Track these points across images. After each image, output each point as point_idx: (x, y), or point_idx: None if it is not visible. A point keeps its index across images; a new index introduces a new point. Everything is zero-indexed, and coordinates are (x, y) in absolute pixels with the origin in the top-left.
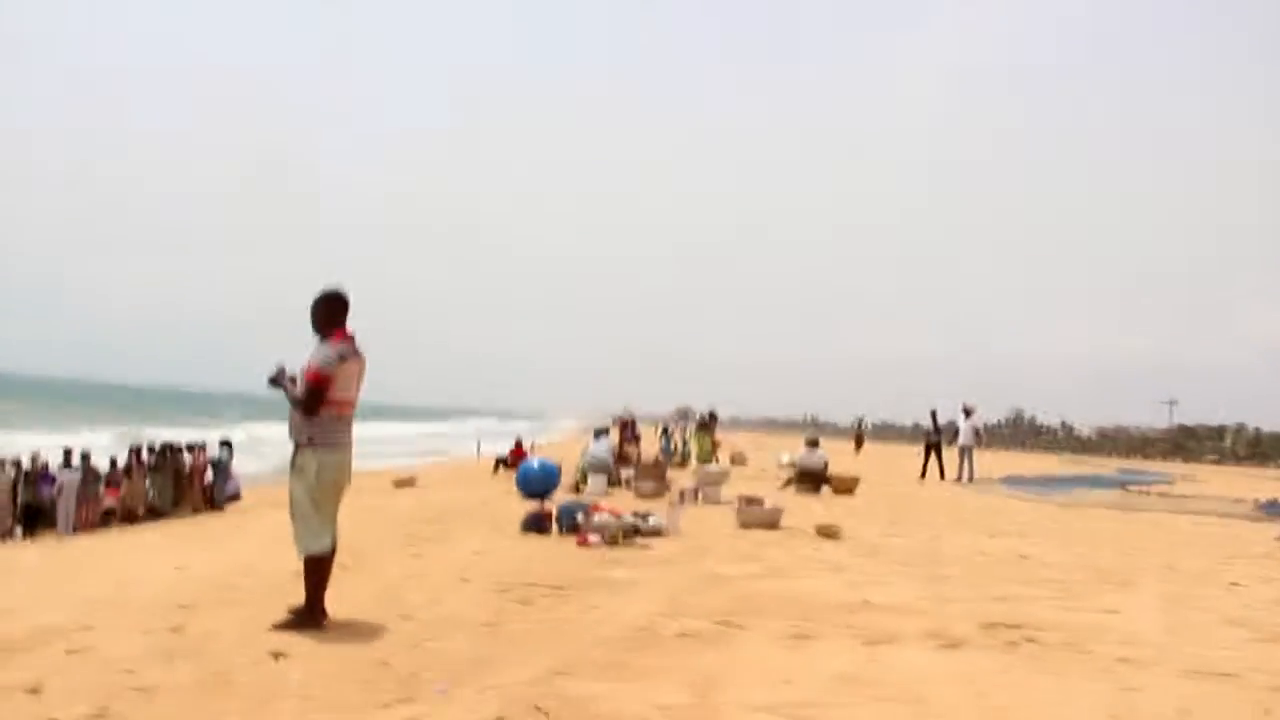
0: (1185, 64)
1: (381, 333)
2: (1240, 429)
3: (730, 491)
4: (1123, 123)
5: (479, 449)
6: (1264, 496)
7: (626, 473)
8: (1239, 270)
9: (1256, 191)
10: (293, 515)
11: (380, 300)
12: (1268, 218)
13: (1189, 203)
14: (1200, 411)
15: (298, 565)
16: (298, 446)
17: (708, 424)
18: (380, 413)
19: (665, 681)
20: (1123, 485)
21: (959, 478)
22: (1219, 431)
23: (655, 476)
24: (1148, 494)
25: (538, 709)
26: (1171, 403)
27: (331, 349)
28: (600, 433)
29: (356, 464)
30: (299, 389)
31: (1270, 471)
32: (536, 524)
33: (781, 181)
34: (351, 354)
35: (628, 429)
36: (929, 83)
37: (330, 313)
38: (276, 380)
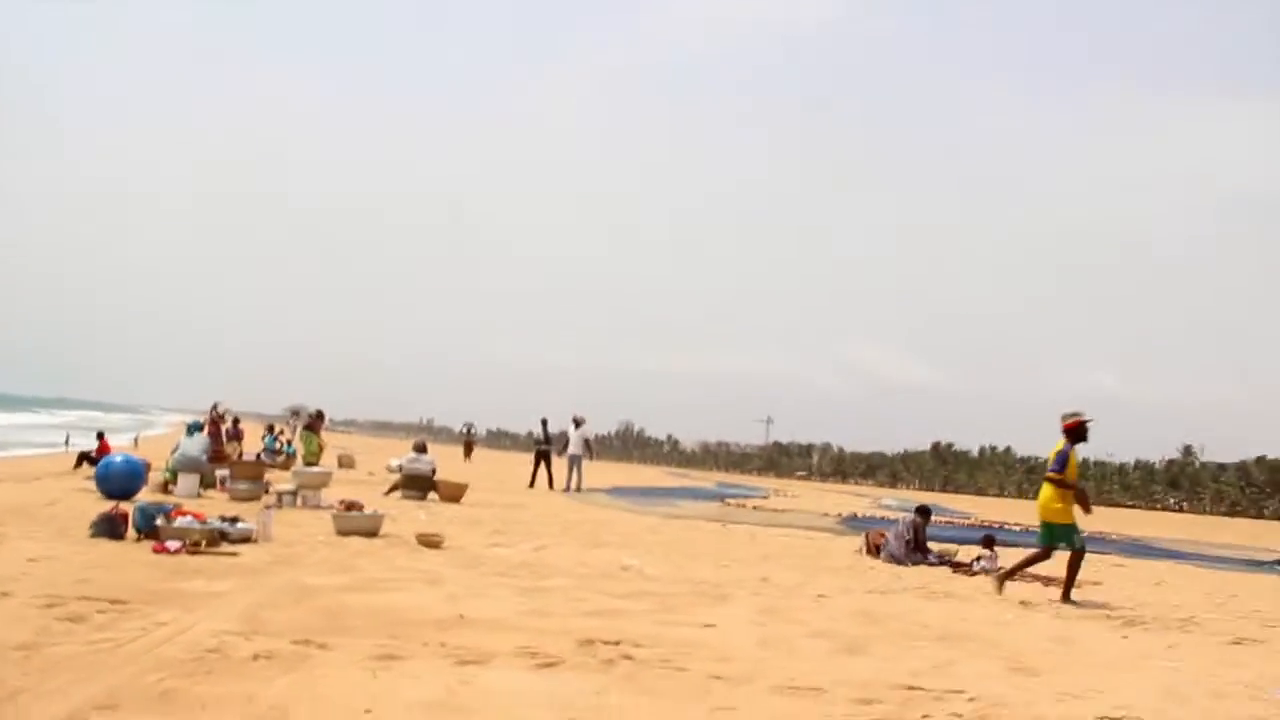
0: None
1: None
2: (826, 448)
3: (333, 495)
4: (739, 150)
5: (67, 442)
6: (845, 511)
7: (222, 473)
8: (841, 301)
9: (864, 234)
10: None
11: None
12: (872, 255)
13: (802, 234)
14: (793, 430)
15: None
16: None
17: (314, 423)
18: None
19: (226, 714)
20: (722, 499)
21: (567, 487)
22: (808, 449)
23: (252, 477)
24: (744, 507)
25: None
26: (768, 421)
27: None
28: (194, 428)
29: None
30: None
31: (850, 487)
32: (109, 527)
33: (397, 174)
34: None
35: (224, 425)
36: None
37: None
38: None
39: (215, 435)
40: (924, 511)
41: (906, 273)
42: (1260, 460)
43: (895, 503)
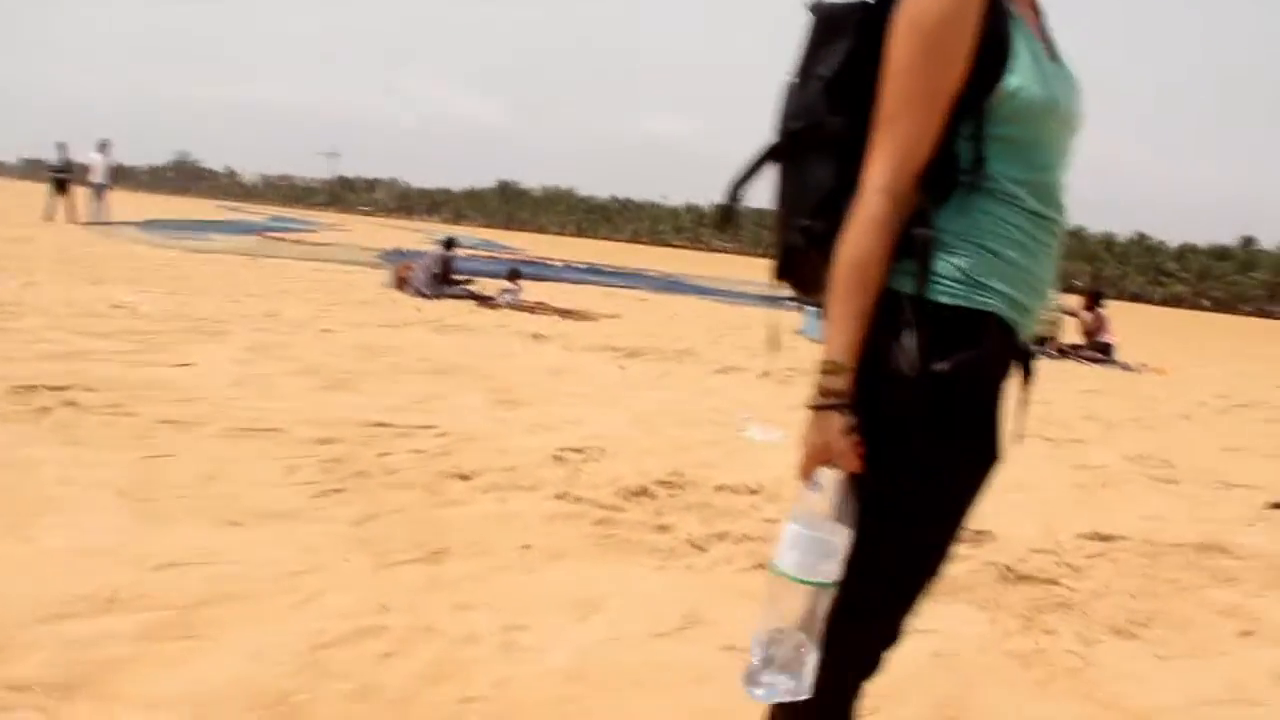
0: None
1: None
2: (392, 183)
3: None
4: None
5: None
6: (390, 245)
7: None
8: (410, 30)
9: None
10: None
11: None
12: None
13: None
14: (361, 165)
15: None
16: None
17: None
18: None
19: None
20: (262, 232)
21: (91, 219)
22: (373, 185)
23: None
24: (284, 240)
25: None
26: (332, 154)
27: None
28: None
29: None
30: None
31: (415, 223)
32: None
33: None
34: None
35: None
36: None
37: None
38: None
39: None
40: (449, 243)
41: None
42: None
43: (449, 237)
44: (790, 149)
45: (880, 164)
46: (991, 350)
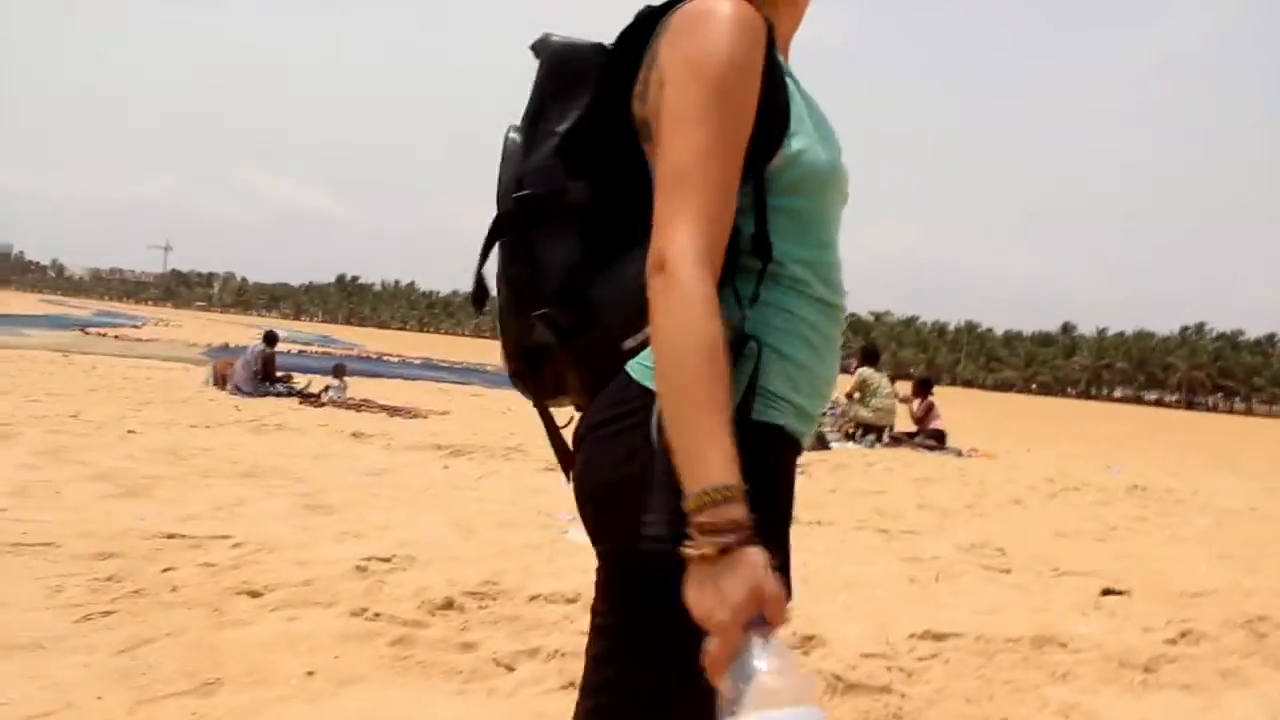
0: None
1: None
2: (229, 278)
3: None
4: None
5: None
6: (219, 341)
7: None
8: (243, 128)
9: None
10: None
11: None
12: (274, 72)
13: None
14: (196, 259)
15: None
16: None
17: None
18: None
19: None
20: (84, 327)
21: None
22: (209, 279)
23: None
24: (105, 336)
25: None
26: (166, 248)
27: None
28: None
29: None
30: None
31: (251, 318)
32: None
33: None
34: None
35: None
36: None
37: None
38: None
39: None
40: (270, 339)
41: (307, 96)
42: None
43: (287, 333)
44: (518, 222)
45: (686, 230)
46: (783, 470)
